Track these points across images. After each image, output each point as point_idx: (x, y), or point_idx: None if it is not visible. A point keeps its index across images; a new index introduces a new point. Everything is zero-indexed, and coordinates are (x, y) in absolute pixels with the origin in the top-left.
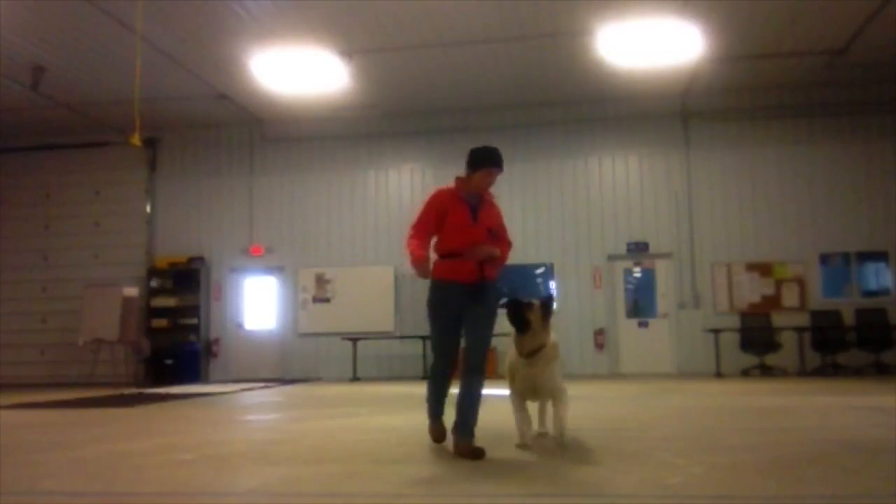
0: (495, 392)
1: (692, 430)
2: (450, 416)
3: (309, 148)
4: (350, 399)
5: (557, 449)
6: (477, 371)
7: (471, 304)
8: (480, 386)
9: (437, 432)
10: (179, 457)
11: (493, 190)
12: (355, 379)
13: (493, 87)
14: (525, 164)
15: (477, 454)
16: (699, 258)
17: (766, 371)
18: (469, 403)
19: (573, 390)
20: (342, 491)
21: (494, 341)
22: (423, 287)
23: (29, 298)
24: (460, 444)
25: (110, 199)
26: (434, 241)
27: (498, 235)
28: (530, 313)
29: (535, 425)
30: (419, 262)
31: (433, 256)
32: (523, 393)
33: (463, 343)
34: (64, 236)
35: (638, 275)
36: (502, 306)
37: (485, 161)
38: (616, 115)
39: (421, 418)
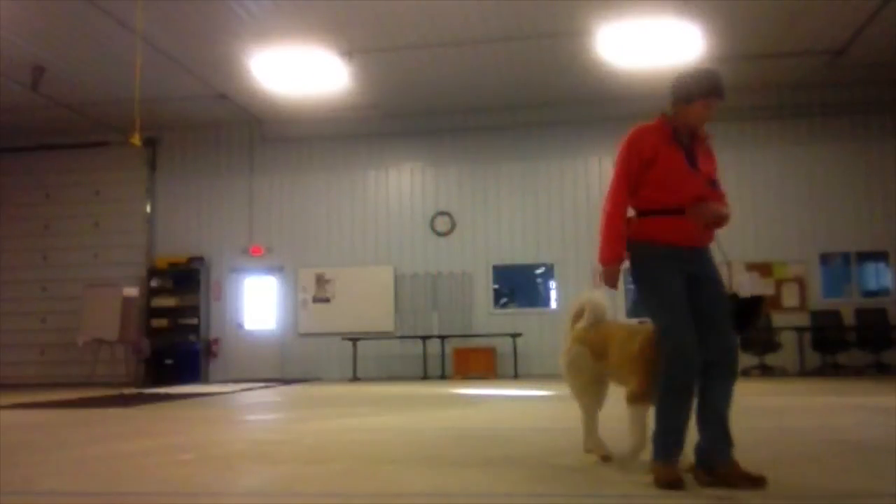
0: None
1: (692, 431)
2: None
3: (309, 148)
4: (350, 399)
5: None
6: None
7: (695, 276)
8: None
9: (677, 475)
10: (179, 457)
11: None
12: (355, 379)
13: (493, 87)
14: (525, 163)
15: (760, 480)
16: None
17: (766, 371)
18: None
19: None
20: (342, 491)
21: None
22: (422, 287)
23: (29, 298)
24: (734, 464)
25: (110, 199)
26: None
27: (718, 187)
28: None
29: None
30: (612, 269)
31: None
32: None
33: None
34: (64, 236)
35: None
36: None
37: (705, 89)
38: (616, 115)
39: (420, 418)
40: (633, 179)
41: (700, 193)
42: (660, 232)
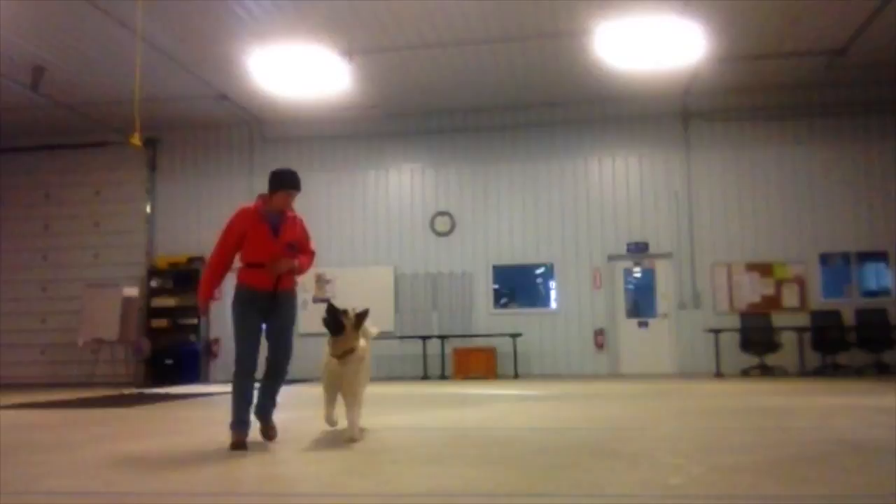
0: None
1: (692, 431)
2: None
3: (309, 148)
4: None
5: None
6: None
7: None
8: None
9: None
10: (179, 457)
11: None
12: None
13: (493, 87)
14: (525, 164)
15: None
16: (699, 258)
17: (766, 371)
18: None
19: (573, 390)
20: (342, 491)
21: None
22: (422, 287)
23: (29, 298)
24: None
25: (110, 199)
26: None
27: (295, 248)
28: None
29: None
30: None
31: None
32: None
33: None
34: (64, 236)
35: (638, 275)
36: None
37: (286, 183)
38: (616, 115)
39: (419, 418)
40: (232, 245)
41: (277, 253)
42: (246, 278)
